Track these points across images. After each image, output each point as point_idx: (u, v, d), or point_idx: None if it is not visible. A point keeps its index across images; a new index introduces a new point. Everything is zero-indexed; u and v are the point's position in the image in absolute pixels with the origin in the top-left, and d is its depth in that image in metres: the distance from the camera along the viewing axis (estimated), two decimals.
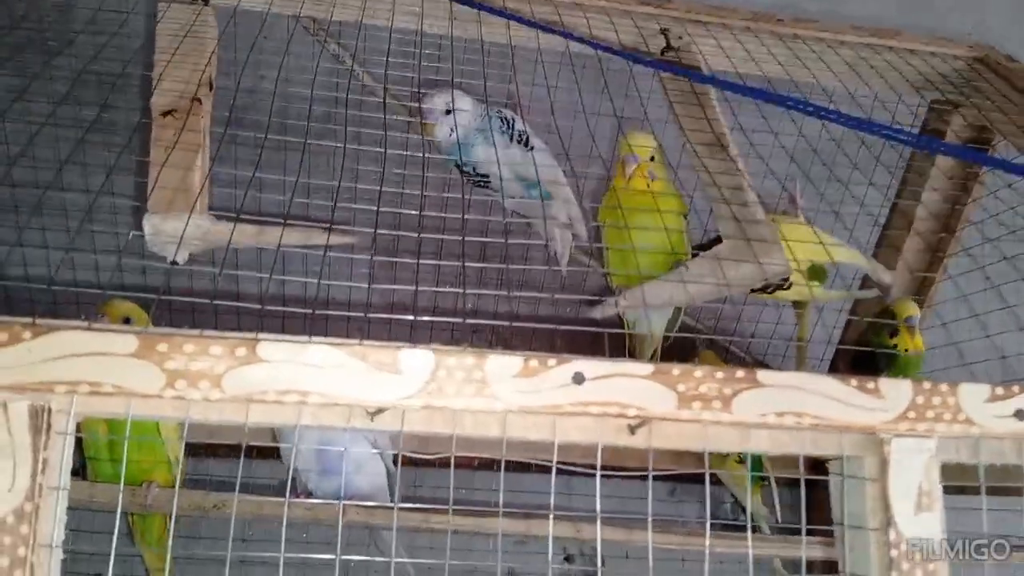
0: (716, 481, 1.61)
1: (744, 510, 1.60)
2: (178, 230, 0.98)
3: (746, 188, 1.09)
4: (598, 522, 0.66)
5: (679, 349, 1.46)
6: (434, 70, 1.23)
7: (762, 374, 0.67)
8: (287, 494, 0.70)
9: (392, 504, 1.21)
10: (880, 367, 1.33)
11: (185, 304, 0.64)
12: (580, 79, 1.14)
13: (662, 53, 1.23)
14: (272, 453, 1.42)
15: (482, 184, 1.31)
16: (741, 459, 1.50)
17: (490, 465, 1.51)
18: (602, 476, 0.65)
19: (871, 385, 0.67)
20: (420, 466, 1.52)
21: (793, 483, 1.65)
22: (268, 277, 0.70)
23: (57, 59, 1.00)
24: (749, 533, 1.45)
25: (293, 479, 1.24)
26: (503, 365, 0.64)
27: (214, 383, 0.61)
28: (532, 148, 1.28)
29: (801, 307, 1.47)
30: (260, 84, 1.02)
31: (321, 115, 1.03)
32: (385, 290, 1.31)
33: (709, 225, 1.25)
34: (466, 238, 0.80)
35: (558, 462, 0.66)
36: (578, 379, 0.65)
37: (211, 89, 1.11)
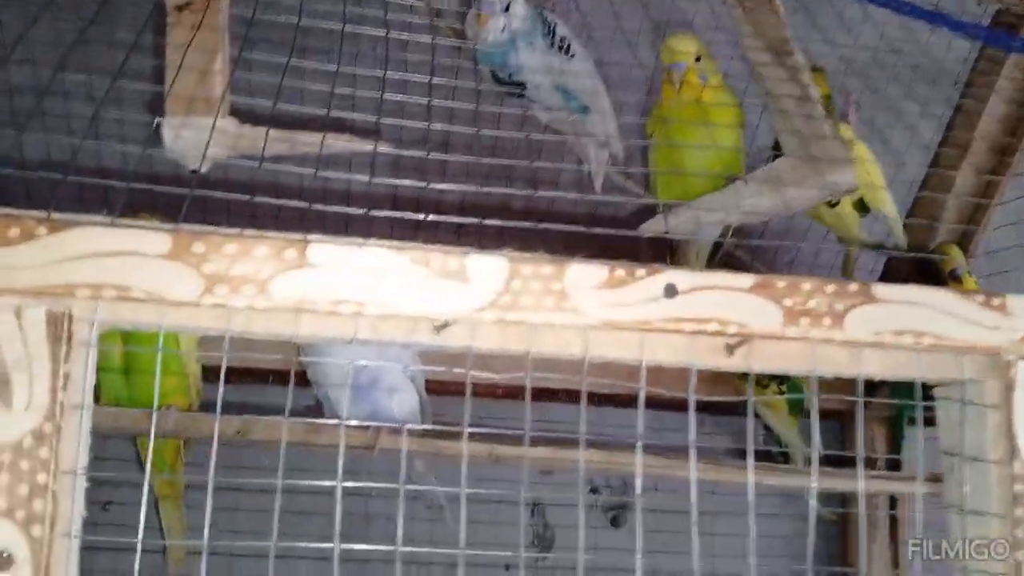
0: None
1: (778, 442, 1.55)
2: (200, 137, 0.90)
3: (813, 99, 1.00)
4: (693, 456, 0.58)
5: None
6: None
7: (878, 288, 0.59)
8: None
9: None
10: None
11: (220, 205, 0.56)
12: None
13: None
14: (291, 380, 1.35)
15: (518, 94, 1.22)
16: (782, 390, 1.43)
17: (515, 394, 1.44)
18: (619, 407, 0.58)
19: (997, 301, 0.60)
20: (440, 394, 1.45)
21: (827, 415, 1.61)
22: (314, 173, 0.61)
23: None
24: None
25: (321, 405, 1.17)
26: (585, 275, 0.56)
27: (260, 289, 0.53)
28: (573, 55, 1.19)
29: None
30: None
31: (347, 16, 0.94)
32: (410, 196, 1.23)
33: (760, 140, 1.17)
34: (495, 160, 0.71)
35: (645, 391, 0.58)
36: (670, 291, 0.57)
37: None
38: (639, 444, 0.58)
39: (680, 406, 0.58)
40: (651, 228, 1.09)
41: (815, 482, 0.60)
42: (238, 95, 0.95)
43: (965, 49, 1.31)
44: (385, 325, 0.56)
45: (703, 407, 1.43)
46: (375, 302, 0.55)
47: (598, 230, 0.61)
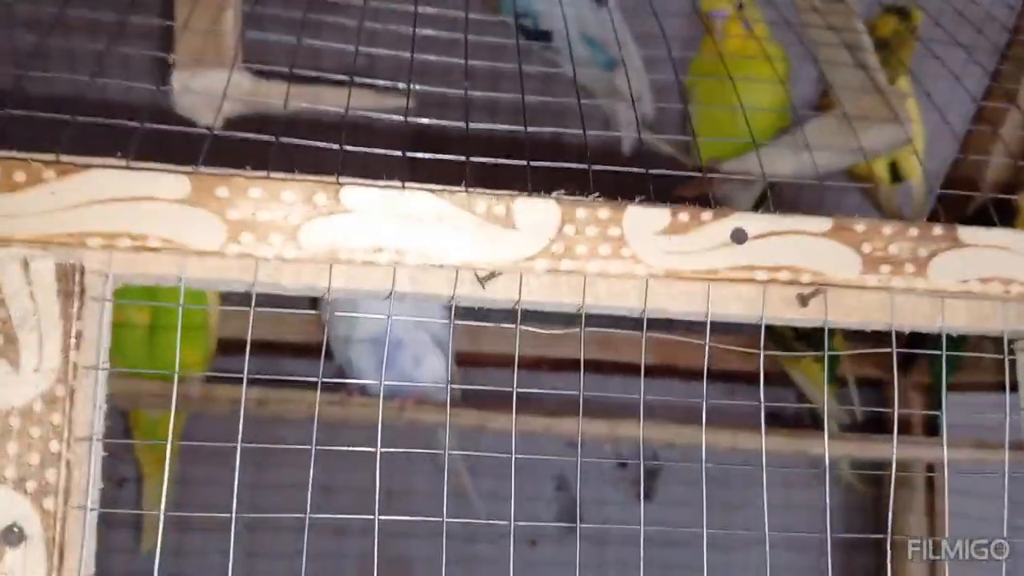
0: (784, 383, 1.49)
1: (812, 412, 1.50)
2: (212, 88, 0.85)
3: (868, 48, 0.95)
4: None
5: None
6: None
7: (964, 231, 0.54)
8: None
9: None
10: None
11: (241, 157, 0.51)
12: None
13: None
14: (309, 353, 1.31)
15: (543, 45, 1.16)
16: (819, 358, 1.38)
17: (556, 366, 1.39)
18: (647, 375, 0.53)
19: None
20: (466, 365, 1.40)
21: (864, 383, 1.56)
22: (344, 112, 0.56)
23: None
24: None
25: (344, 375, 1.12)
26: (646, 219, 0.51)
27: (289, 236, 0.48)
28: (603, 4, 1.12)
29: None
30: None
31: None
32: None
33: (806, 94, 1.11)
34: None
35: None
36: (739, 236, 0.52)
37: None
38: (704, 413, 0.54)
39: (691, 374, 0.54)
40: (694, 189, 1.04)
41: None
42: (250, 55, 0.89)
43: None
44: (426, 276, 0.51)
45: (733, 376, 1.40)
46: (415, 250, 0.50)
47: (658, 171, 0.55)
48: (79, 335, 0.47)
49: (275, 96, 0.89)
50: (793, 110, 1.02)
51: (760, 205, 1.19)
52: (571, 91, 0.76)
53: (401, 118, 0.58)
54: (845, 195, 1.26)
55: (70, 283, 0.47)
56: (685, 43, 1.20)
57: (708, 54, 1.04)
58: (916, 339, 0.55)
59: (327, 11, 0.82)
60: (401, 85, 0.65)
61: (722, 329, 0.54)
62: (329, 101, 0.86)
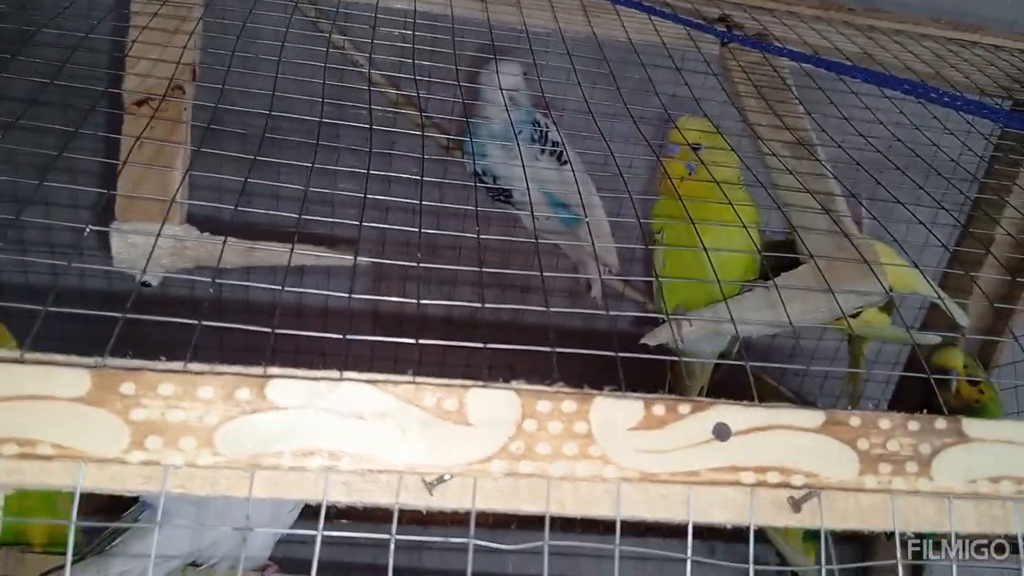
0: (762, 539, 1.41)
1: (794, 573, 1.42)
2: (151, 244, 0.80)
3: (837, 196, 0.92)
4: None
5: (725, 384, 1.27)
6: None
7: (970, 425, 0.48)
8: None
9: None
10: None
11: (156, 330, 0.45)
12: (617, 79, 0.94)
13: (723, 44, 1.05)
14: None
15: (502, 199, 1.12)
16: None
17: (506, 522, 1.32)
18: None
19: None
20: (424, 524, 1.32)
21: (848, 538, 1.48)
22: (280, 289, 0.50)
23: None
24: None
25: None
26: (617, 413, 0.45)
27: (203, 441, 0.42)
28: (566, 163, 1.08)
29: (859, 344, 1.29)
30: (250, 74, 0.82)
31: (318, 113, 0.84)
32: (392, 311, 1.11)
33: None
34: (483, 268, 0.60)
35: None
36: (721, 433, 0.46)
37: (194, 77, 0.92)
38: None
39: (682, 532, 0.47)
40: (657, 337, 0.99)
41: None
42: (203, 195, 0.85)
43: (979, 147, 1.23)
44: (364, 482, 0.45)
45: (710, 534, 1.32)
46: (352, 454, 0.43)
47: (626, 353, 0.50)
48: None
49: (218, 250, 0.84)
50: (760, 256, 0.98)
51: (727, 356, 1.13)
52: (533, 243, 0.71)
53: (344, 293, 0.52)
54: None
55: None
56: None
57: (670, 195, 0.99)
58: None
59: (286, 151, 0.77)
60: (344, 258, 0.60)
61: None
62: (271, 256, 0.81)
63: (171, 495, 0.43)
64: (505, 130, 1.05)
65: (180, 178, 0.85)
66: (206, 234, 0.82)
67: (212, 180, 0.76)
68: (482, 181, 1.11)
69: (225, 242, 0.67)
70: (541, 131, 1.10)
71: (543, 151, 1.10)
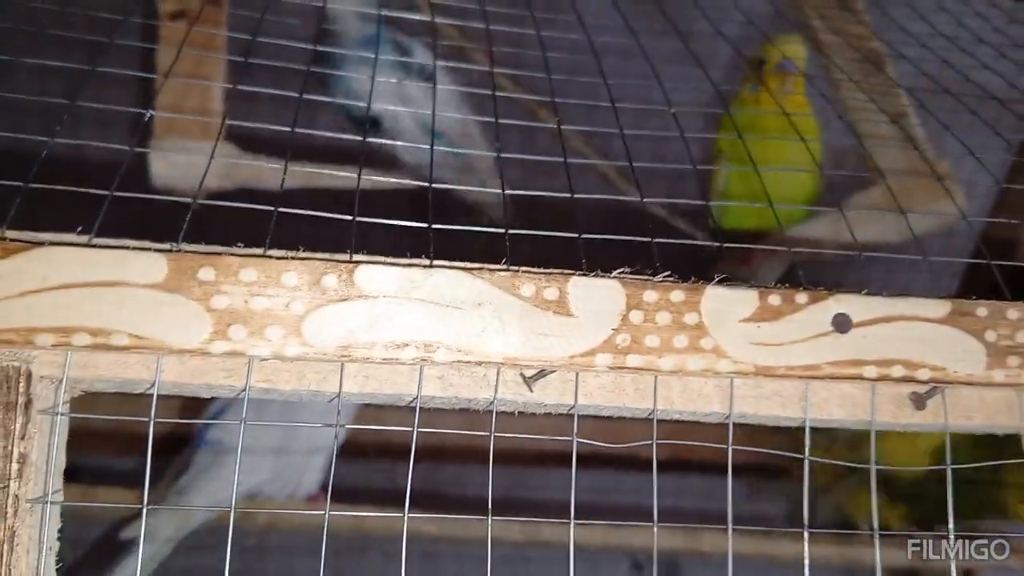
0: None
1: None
2: (194, 163, 0.76)
3: (911, 118, 0.87)
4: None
5: None
6: None
7: None
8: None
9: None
10: None
11: (223, 223, 0.42)
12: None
13: None
14: None
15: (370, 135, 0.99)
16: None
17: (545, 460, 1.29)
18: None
19: None
20: (438, 459, 1.30)
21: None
22: (357, 175, 0.47)
23: None
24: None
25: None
26: (728, 303, 0.42)
27: (291, 330, 0.38)
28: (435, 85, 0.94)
29: None
30: None
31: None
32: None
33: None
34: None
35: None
36: (842, 324, 0.42)
37: None
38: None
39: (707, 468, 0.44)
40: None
41: None
42: (239, 117, 0.81)
43: None
44: (460, 376, 0.42)
45: (754, 470, 1.30)
46: (447, 345, 0.40)
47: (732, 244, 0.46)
48: (23, 459, 0.37)
49: (265, 172, 0.80)
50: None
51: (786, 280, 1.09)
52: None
53: (419, 183, 0.49)
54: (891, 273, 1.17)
55: (11, 392, 0.37)
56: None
57: (743, 111, 0.95)
58: None
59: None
60: (423, 145, 0.56)
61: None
62: (328, 179, 0.77)
63: (232, 424, 0.40)
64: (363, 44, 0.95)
65: (220, 95, 0.82)
66: (249, 154, 0.78)
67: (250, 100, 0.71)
68: (350, 115, 1.00)
69: (287, 165, 0.63)
70: (404, 50, 0.99)
71: (408, 72, 1.00)
